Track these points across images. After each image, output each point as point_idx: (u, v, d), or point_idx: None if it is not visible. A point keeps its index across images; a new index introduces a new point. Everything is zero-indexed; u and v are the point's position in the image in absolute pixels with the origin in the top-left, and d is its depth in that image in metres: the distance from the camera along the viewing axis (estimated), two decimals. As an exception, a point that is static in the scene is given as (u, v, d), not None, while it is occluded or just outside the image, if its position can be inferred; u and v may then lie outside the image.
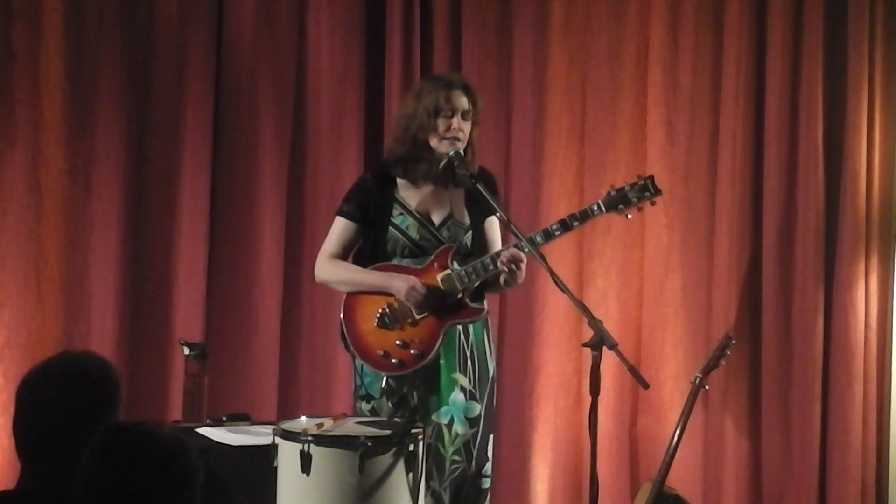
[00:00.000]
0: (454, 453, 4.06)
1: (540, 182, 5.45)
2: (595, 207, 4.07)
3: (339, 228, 4.15)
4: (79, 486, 2.28)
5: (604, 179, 5.47)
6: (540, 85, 5.45)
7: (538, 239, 4.01)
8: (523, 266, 4.00)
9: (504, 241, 4.21)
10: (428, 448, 3.88)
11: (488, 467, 4.15)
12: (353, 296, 4.12)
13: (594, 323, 3.70)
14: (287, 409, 5.00)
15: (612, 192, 4.10)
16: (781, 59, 5.55)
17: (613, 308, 5.50)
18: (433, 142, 4.07)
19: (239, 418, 4.47)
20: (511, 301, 5.42)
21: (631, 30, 5.54)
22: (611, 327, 4.19)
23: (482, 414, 4.11)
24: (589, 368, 3.70)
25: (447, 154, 4.05)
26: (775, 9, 5.55)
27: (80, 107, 4.93)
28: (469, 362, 4.11)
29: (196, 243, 5.06)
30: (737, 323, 5.51)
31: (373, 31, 5.33)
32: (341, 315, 4.13)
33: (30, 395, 2.61)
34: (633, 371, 3.74)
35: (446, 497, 4.05)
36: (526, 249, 3.97)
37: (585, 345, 3.73)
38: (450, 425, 4.06)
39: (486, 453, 4.14)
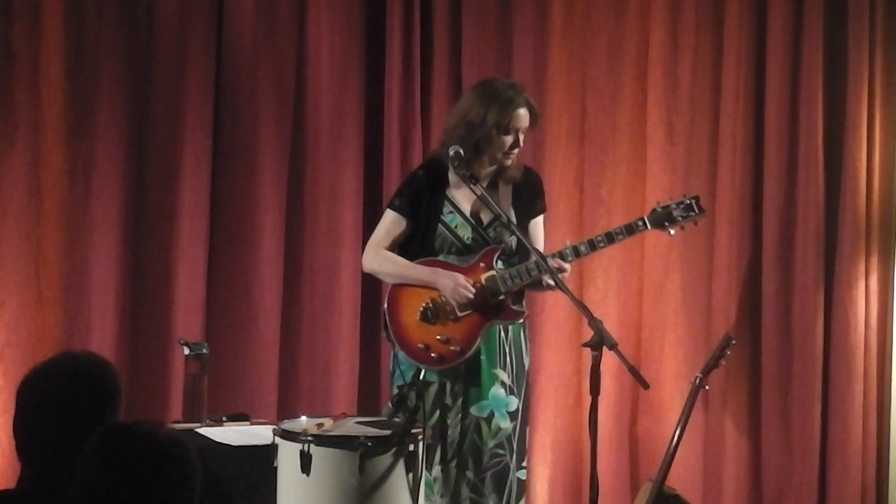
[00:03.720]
0: (496, 446, 4.17)
1: (540, 182, 5.45)
2: (640, 223, 4.23)
3: (389, 221, 4.27)
4: (77, 486, 2.27)
5: (604, 179, 5.47)
6: (540, 85, 5.44)
7: (582, 249, 4.17)
8: (566, 275, 4.13)
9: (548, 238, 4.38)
10: (463, 439, 4.08)
11: (526, 459, 4.31)
12: (398, 288, 4.23)
13: (594, 323, 3.72)
14: (287, 409, 5.00)
15: (659, 209, 4.26)
16: (781, 59, 5.54)
17: (613, 308, 5.50)
18: (491, 152, 4.19)
19: (239, 418, 4.47)
20: (511, 301, 5.42)
21: (631, 30, 5.53)
22: (611, 327, 4.19)
23: (520, 408, 4.22)
24: (589, 368, 3.71)
25: (455, 154, 4.12)
26: (775, 9, 5.54)
27: (80, 107, 4.92)
28: (508, 358, 4.22)
29: (196, 243, 5.05)
30: (737, 323, 5.51)
31: (373, 31, 5.33)
32: (385, 306, 4.23)
33: (30, 395, 2.61)
34: (633, 371, 3.76)
35: (485, 488, 4.15)
36: (570, 258, 4.14)
37: (585, 345, 3.76)
38: (489, 419, 4.17)
39: (525, 445, 4.27)
